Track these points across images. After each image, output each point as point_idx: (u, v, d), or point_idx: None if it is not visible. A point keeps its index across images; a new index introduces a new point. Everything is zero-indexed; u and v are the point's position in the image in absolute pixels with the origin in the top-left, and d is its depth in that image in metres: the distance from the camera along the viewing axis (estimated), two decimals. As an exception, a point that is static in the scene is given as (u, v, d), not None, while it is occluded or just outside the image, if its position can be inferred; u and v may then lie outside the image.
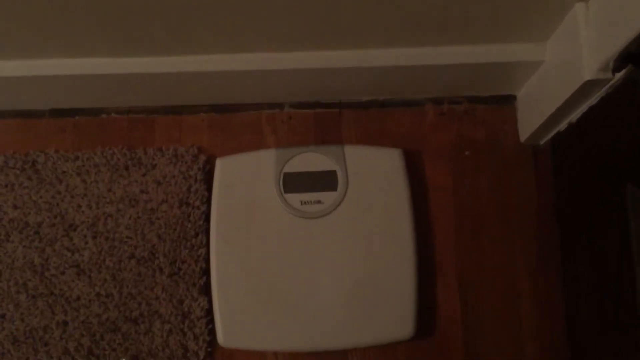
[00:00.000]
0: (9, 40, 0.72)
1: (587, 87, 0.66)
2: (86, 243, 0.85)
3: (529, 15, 0.69)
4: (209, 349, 0.82)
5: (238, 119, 0.91)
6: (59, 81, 0.80)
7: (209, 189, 0.86)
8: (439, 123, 0.91)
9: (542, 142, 0.87)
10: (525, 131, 0.86)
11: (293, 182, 0.85)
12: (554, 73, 0.73)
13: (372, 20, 0.70)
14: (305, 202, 0.84)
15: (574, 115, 0.75)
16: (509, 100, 0.90)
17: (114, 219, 0.86)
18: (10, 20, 0.67)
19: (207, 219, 0.85)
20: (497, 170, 0.89)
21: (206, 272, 0.84)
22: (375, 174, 0.85)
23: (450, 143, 0.90)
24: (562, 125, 0.79)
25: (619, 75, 0.62)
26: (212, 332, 0.82)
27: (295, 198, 0.84)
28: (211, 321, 0.82)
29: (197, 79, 0.80)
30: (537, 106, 0.81)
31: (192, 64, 0.77)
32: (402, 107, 0.91)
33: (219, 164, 0.86)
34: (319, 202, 0.84)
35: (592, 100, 0.69)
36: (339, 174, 0.85)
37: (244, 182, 0.85)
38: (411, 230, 0.83)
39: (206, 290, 0.83)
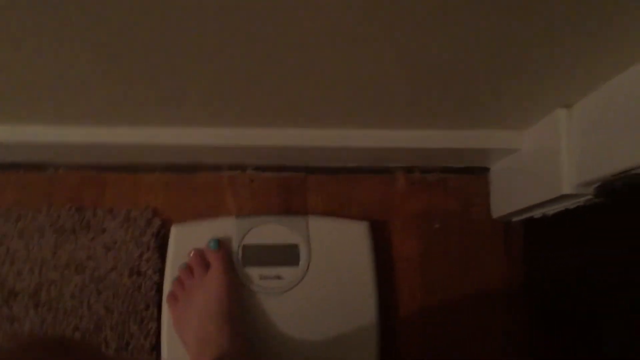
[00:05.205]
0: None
1: (565, 196, 0.62)
2: (27, 312, 0.79)
3: (507, 112, 0.65)
4: None
5: (197, 180, 0.85)
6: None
7: (163, 257, 0.81)
8: (409, 192, 0.87)
9: (514, 220, 0.84)
10: (497, 209, 0.83)
11: (252, 255, 0.80)
12: (531, 169, 0.70)
13: (345, 105, 0.64)
14: (264, 277, 0.80)
15: (549, 210, 0.71)
16: (482, 172, 0.86)
17: (58, 287, 0.80)
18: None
19: (160, 290, 0.80)
20: (467, 244, 0.86)
21: (156, 347, 0.79)
22: (340, 248, 0.81)
23: (420, 214, 0.86)
24: (536, 214, 0.75)
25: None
26: (160, 414, 0.78)
27: (254, 272, 0.80)
28: (160, 400, 0.78)
29: (152, 150, 0.74)
30: (511, 192, 0.77)
31: (149, 136, 0.71)
32: (372, 174, 0.86)
33: (174, 231, 0.81)
34: (278, 277, 0.80)
35: (569, 204, 0.66)
36: (302, 248, 0.80)
37: (200, 252, 0.80)
38: (375, 310, 0.79)
39: (155, 368, 0.79)
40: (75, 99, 0.61)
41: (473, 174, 0.87)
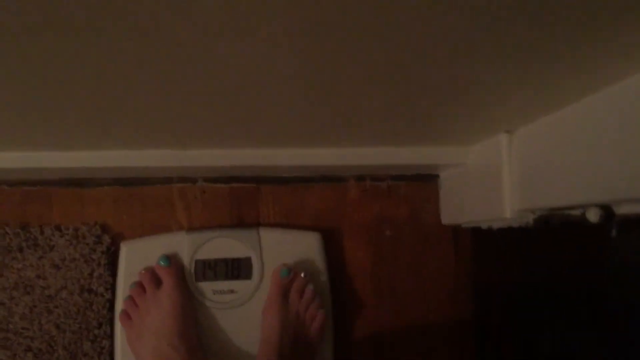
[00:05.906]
0: None
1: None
2: (-25, 335, 0.78)
3: (452, 132, 0.66)
4: None
5: (146, 193, 0.84)
6: None
7: (114, 274, 0.80)
8: (361, 200, 0.87)
9: (463, 226, 0.86)
10: (446, 216, 0.85)
11: (205, 270, 0.80)
12: (476, 185, 0.71)
13: (294, 126, 0.63)
14: (218, 292, 0.80)
15: (495, 224, 0.73)
16: (432, 178, 0.87)
17: (7, 308, 0.79)
18: None
19: (112, 308, 0.80)
20: (418, 250, 0.87)
21: (111, 365, 0.79)
22: (293, 260, 0.82)
23: (371, 221, 0.87)
24: (483, 225, 0.77)
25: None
26: None
27: (207, 287, 0.80)
28: (116, 417, 0.78)
29: (99, 172, 0.73)
30: (459, 202, 0.79)
31: (96, 159, 0.69)
32: (323, 182, 0.87)
33: (124, 248, 0.80)
34: (232, 291, 0.80)
35: (514, 223, 0.67)
36: (254, 261, 0.81)
37: (152, 268, 0.79)
38: (329, 320, 0.81)
39: (110, 385, 0.79)
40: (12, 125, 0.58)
41: (423, 180, 0.88)
